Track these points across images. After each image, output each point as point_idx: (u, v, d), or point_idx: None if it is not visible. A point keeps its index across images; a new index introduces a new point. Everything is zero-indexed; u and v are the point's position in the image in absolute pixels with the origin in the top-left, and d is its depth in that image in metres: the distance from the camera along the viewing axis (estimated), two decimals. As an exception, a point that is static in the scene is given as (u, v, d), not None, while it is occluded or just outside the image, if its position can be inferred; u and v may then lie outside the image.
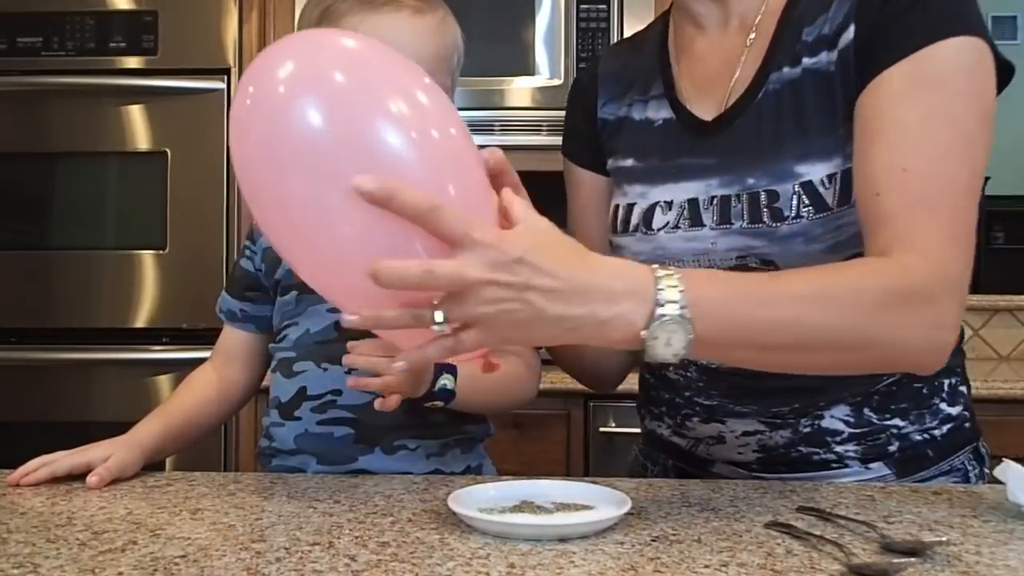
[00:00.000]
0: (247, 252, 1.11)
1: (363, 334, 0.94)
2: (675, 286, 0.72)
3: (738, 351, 0.79)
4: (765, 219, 0.93)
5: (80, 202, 2.17)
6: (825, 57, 0.93)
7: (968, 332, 2.40)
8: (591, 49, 2.13)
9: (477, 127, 2.16)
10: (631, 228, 1.03)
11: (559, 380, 1.86)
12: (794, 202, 0.91)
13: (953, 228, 0.83)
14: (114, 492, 0.92)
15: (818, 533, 0.75)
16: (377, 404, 0.93)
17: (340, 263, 0.69)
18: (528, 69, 2.15)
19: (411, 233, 0.66)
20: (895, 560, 0.67)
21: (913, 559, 0.68)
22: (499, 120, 2.16)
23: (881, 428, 0.98)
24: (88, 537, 0.75)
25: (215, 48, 2.17)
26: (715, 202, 0.97)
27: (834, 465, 0.99)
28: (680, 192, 0.99)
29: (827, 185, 0.91)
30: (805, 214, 0.91)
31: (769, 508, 0.85)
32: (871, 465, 0.99)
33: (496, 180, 0.76)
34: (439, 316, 0.68)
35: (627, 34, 2.07)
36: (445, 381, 0.97)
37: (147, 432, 1.04)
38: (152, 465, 1.01)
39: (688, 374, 1.03)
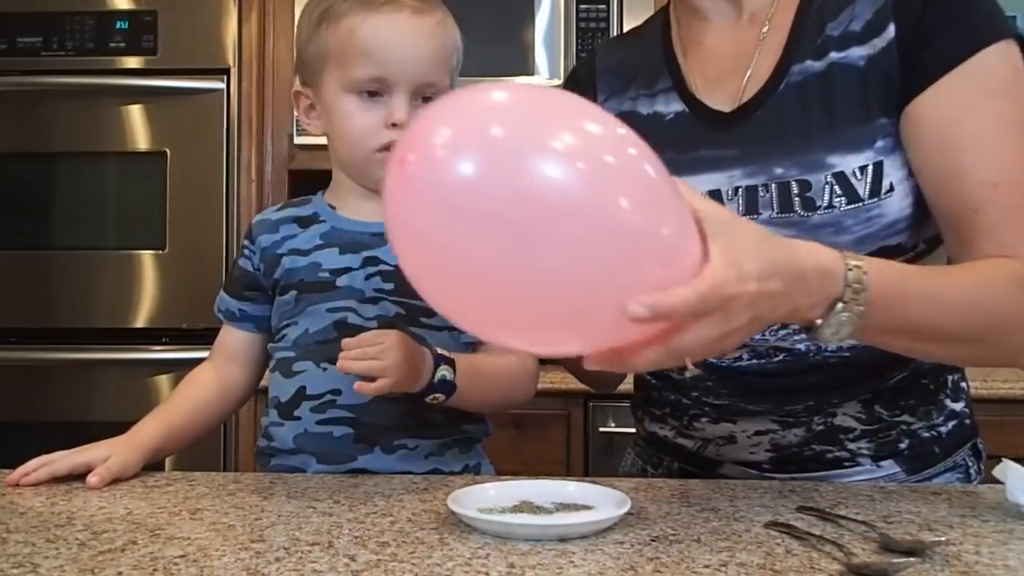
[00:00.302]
0: (246, 251, 1.11)
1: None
2: (860, 284, 0.75)
3: (893, 340, 0.84)
4: (797, 208, 0.94)
5: (80, 202, 2.17)
6: (856, 53, 0.94)
7: (968, 332, 2.39)
8: (591, 49, 2.13)
9: (477, 127, 2.16)
10: None
11: (559, 380, 1.86)
12: (826, 192, 0.92)
13: None
14: (114, 492, 0.92)
15: (818, 533, 0.75)
16: (356, 387, 0.92)
17: (579, 303, 0.63)
18: (528, 69, 2.15)
19: (634, 259, 0.62)
20: (895, 560, 0.67)
21: (913, 559, 0.68)
22: (499, 120, 2.16)
23: (891, 424, 0.99)
24: (88, 537, 0.75)
25: (215, 48, 2.17)
26: (740, 192, 0.97)
27: (846, 464, 0.99)
28: (699, 183, 0.99)
29: (859, 176, 0.92)
30: (837, 204, 0.92)
31: (769, 508, 0.85)
32: (882, 463, 0.99)
33: None
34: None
35: (627, 34, 2.09)
36: (444, 373, 0.96)
37: (147, 432, 1.04)
38: (152, 465, 1.01)
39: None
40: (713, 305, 0.65)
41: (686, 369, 0.68)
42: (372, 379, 0.92)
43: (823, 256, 0.75)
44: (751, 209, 0.96)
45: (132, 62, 2.17)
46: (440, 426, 1.04)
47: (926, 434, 1.01)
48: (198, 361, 1.15)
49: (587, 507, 0.81)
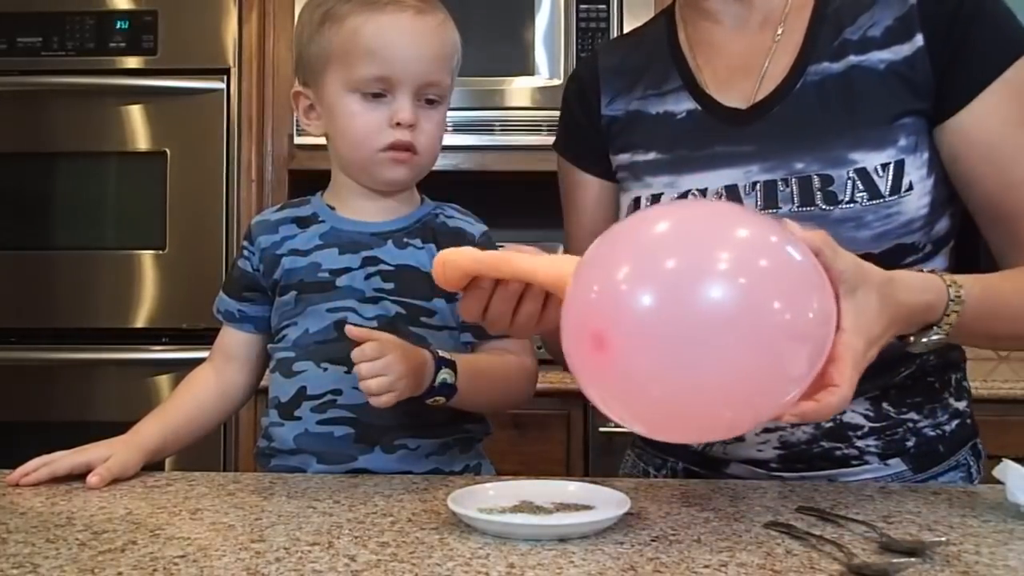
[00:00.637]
0: (245, 252, 1.11)
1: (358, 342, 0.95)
2: (957, 309, 0.82)
3: (967, 341, 0.93)
4: (818, 202, 0.95)
5: (80, 202, 2.17)
6: (876, 57, 0.97)
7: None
8: (591, 49, 2.13)
9: (477, 127, 2.16)
10: None
11: (559, 380, 1.86)
12: (848, 187, 0.94)
13: None
14: (114, 492, 0.92)
15: (818, 533, 0.75)
16: (373, 401, 0.93)
17: (740, 403, 0.69)
18: (528, 69, 2.15)
19: (785, 350, 0.67)
20: (895, 560, 0.67)
21: (913, 559, 0.68)
22: (499, 120, 2.16)
23: (898, 422, 1.00)
24: (88, 537, 0.75)
25: (215, 48, 2.17)
26: (758, 187, 0.98)
27: (854, 462, 1.00)
28: (715, 179, 1.01)
29: (881, 173, 0.94)
30: (859, 199, 0.94)
31: (769, 508, 0.85)
32: (889, 461, 1.00)
33: None
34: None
35: (627, 34, 2.08)
36: (445, 376, 0.97)
37: (147, 432, 1.04)
38: (152, 465, 1.01)
39: None
40: (857, 378, 0.72)
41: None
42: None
43: (931, 294, 0.82)
44: (770, 203, 0.97)
45: (132, 62, 2.17)
46: (441, 426, 1.04)
47: (931, 433, 1.01)
48: (198, 361, 1.15)
49: (587, 507, 0.81)
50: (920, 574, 0.66)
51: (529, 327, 0.81)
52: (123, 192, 2.17)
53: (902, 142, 0.95)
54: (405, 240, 1.06)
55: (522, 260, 0.76)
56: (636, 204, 1.06)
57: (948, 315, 0.82)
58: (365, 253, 1.05)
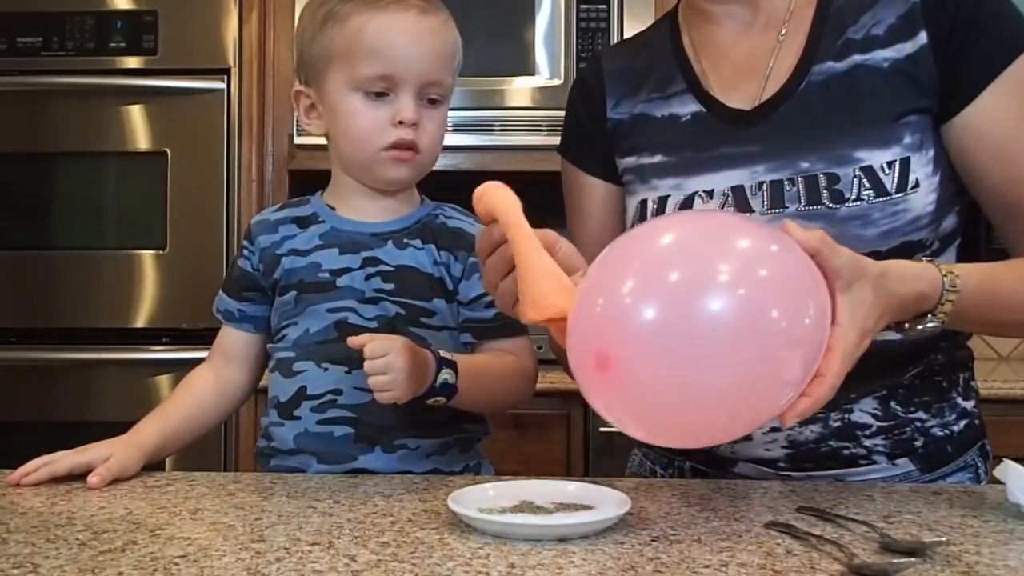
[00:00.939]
0: (245, 252, 1.11)
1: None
2: (952, 297, 0.84)
3: (975, 329, 0.98)
4: (825, 200, 0.95)
5: (80, 202, 2.17)
6: (879, 55, 0.97)
7: (968, 332, 2.39)
8: (591, 49, 2.13)
9: (477, 127, 2.16)
10: None
11: (559, 380, 1.86)
12: (855, 185, 0.95)
13: None
14: (114, 492, 0.92)
15: (818, 533, 0.75)
16: (378, 397, 0.94)
17: (745, 404, 0.72)
18: (528, 69, 2.15)
19: (783, 354, 0.71)
20: (895, 560, 0.67)
21: (913, 559, 0.68)
22: (499, 120, 2.16)
23: (906, 421, 1.00)
24: (88, 537, 0.75)
25: (215, 48, 2.17)
26: (764, 187, 0.99)
27: (862, 462, 1.00)
28: (722, 180, 1.01)
29: (886, 171, 0.94)
30: (866, 197, 0.94)
31: (769, 508, 0.85)
32: (897, 461, 1.00)
33: None
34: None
35: (627, 34, 2.09)
36: (446, 376, 0.97)
37: (147, 432, 1.04)
38: (152, 465, 1.01)
39: None
40: (844, 374, 0.75)
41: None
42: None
43: (925, 283, 0.84)
44: (776, 203, 0.98)
45: (132, 62, 2.17)
46: (441, 426, 1.04)
47: (940, 433, 1.01)
48: (198, 361, 1.15)
49: (587, 507, 0.81)
50: (920, 574, 0.66)
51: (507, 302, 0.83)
52: (123, 192, 2.17)
53: (907, 139, 0.95)
54: (405, 241, 1.06)
55: (520, 247, 0.78)
56: (642, 207, 1.06)
57: (943, 303, 0.84)
58: (365, 253, 1.05)
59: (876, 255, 0.93)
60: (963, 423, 1.03)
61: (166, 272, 2.15)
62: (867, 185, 0.94)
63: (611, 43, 2.11)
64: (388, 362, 0.92)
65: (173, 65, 2.16)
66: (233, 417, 2.03)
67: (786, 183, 0.98)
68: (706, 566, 0.68)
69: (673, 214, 0.76)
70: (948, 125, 0.96)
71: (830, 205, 0.95)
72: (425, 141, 1.04)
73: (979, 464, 1.05)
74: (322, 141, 1.11)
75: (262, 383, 1.15)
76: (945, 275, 0.85)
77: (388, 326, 1.02)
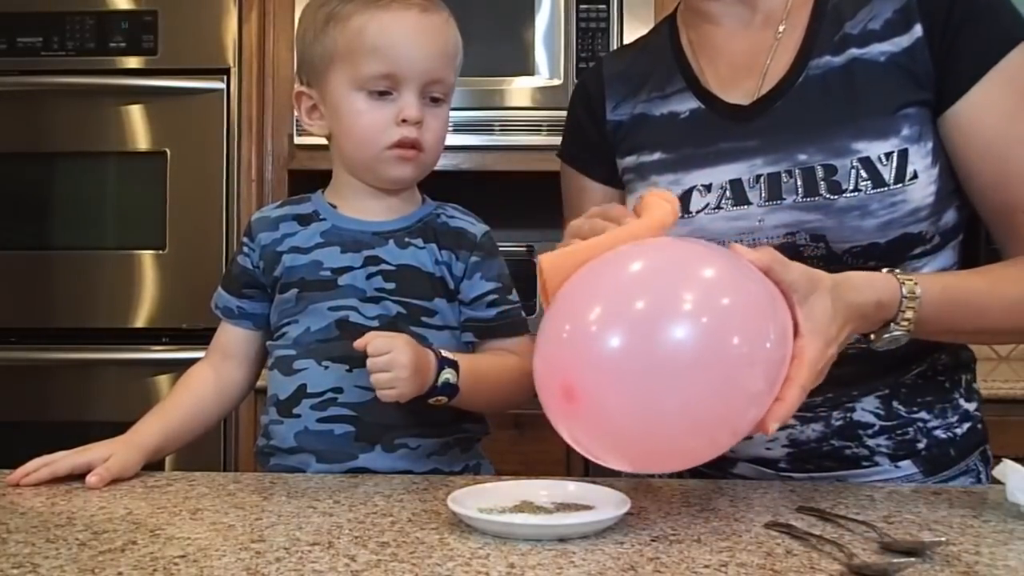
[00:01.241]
0: (245, 249, 1.11)
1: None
2: (912, 305, 0.86)
3: (947, 338, 0.98)
4: (822, 191, 0.96)
5: (80, 202, 2.17)
6: (876, 49, 0.98)
7: (968, 332, 2.39)
8: (591, 49, 2.13)
9: (477, 127, 2.16)
10: None
11: (559, 380, 1.85)
12: (852, 175, 0.95)
13: None
14: (114, 492, 0.92)
15: (818, 533, 0.75)
16: (380, 395, 0.95)
17: (714, 424, 0.75)
18: (528, 69, 2.15)
19: (745, 377, 0.74)
20: (895, 560, 0.67)
21: (913, 559, 0.68)
22: (499, 120, 2.16)
23: (909, 421, 1.00)
24: (88, 537, 0.75)
25: (215, 48, 2.16)
26: (762, 180, 0.99)
27: (864, 463, 1.00)
28: (719, 175, 1.01)
29: (884, 162, 0.94)
30: (863, 188, 0.94)
31: (769, 508, 0.85)
32: (900, 463, 1.00)
33: None
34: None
35: (626, 34, 2.09)
36: (448, 376, 0.97)
37: (147, 432, 1.04)
38: (152, 465, 1.01)
39: None
40: (816, 377, 0.78)
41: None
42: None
43: (882, 291, 0.86)
44: (774, 195, 0.98)
45: (132, 62, 2.17)
46: (442, 425, 1.05)
47: (943, 435, 1.01)
48: (198, 361, 1.15)
49: (587, 507, 0.81)
50: (920, 574, 0.66)
51: None
52: (123, 192, 2.17)
53: (905, 131, 0.95)
54: (407, 240, 1.06)
55: (614, 239, 0.80)
56: None
57: (904, 311, 0.86)
58: (367, 252, 1.05)
59: (875, 247, 0.94)
60: (966, 426, 1.03)
61: (166, 272, 2.15)
62: (864, 176, 0.94)
63: (611, 44, 2.11)
64: (391, 360, 0.92)
65: (173, 65, 2.16)
66: (232, 416, 2.03)
67: (783, 175, 0.98)
68: (706, 566, 0.68)
69: (640, 243, 0.79)
70: (941, 120, 0.96)
71: (828, 196, 0.95)
72: (428, 139, 1.04)
73: (980, 468, 1.04)
74: (322, 141, 1.11)
75: (261, 381, 1.15)
76: (903, 283, 0.86)
77: (389, 325, 1.02)
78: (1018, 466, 0.83)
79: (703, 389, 0.71)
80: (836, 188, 0.95)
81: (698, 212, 1.01)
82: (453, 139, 2.12)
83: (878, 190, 0.94)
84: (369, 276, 1.04)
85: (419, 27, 1.02)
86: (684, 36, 1.11)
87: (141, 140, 2.16)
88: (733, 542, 0.74)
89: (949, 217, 0.98)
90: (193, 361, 1.15)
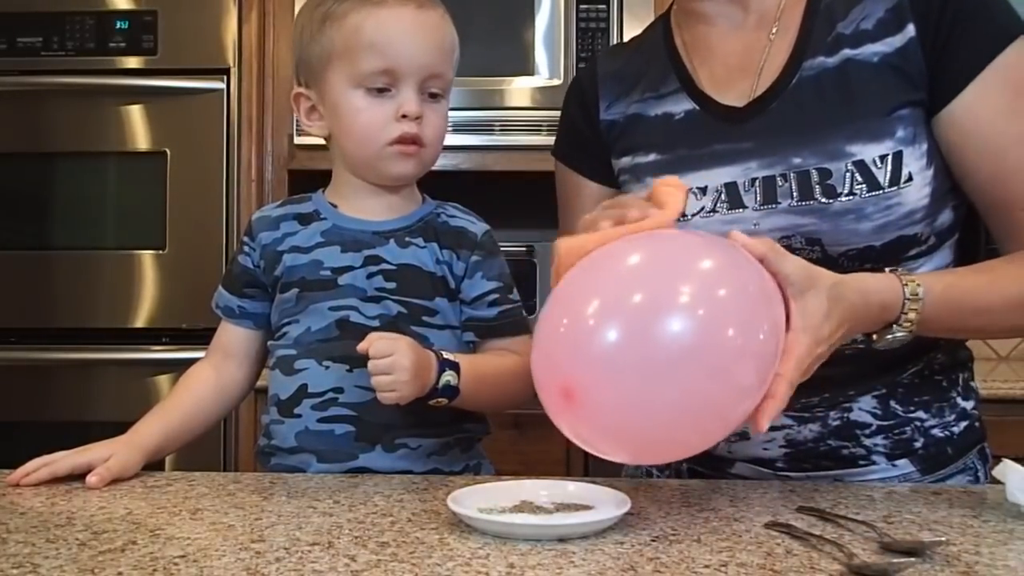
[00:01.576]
0: (245, 248, 1.11)
1: (363, 337, 0.95)
2: (915, 306, 0.86)
3: (949, 335, 0.98)
4: (817, 195, 0.95)
5: (80, 202, 2.17)
6: (869, 49, 0.97)
7: (968, 332, 2.39)
8: (591, 49, 2.13)
9: (477, 127, 2.16)
10: None
11: (559, 380, 1.85)
12: (847, 179, 0.95)
13: None
14: (114, 492, 0.92)
15: (818, 533, 0.75)
16: (380, 397, 0.95)
17: (709, 415, 0.76)
18: (528, 69, 2.15)
19: (737, 368, 0.74)
20: (895, 560, 0.67)
21: (913, 559, 0.68)
22: (499, 120, 2.16)
23: (906, 420, 1.00)
24: (88, 537, 0.75)
25: (215, 48, 2.16)
26: (757, 183, 0.99)
27: (862, 462, 1.00)
28: (714, 177, 1.01)
29: (879, 165, 0.94)
30: (858, 191, 0.94)
31: (769, 508, 0.85)
32: (897, 462, 1.00)
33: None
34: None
35: (626, 34, 2.09)
36: (448, 378, 0.97)
37: (147, 431, 1.04)
38: (152, 465, 1.01)
39: None
40: (802, 374, 0.78)
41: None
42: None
43: (885, 293, 0.86)
44: (769, 199, 0.98)
45: (132, 62, 2.17)
46: (442, 425, 1.05)
47: (940, 434, 1.01)
48: (198, 361, 1.15)
49: (587, 507, 0.81)
50: (920, 574, 0.66)
51: None
52: (123, 192, 2.17)
53: (900, 133, 0.95)
54: (407, 239, 1.06)
55: (636, 229, 0.80)
56: None
57: (907, 312, 0.86)
58: (367, 252, 1.05)
59: (871, 249, 0.94)
60: (963, 424, 1.03)
61: (166, 272, 2.15)
62: (859, 179, 0.94)
63: (610, 44, 2.11)
64: (392, 362, 0.92)
65: (173, 65, 2.16)
66: (233, 415, 2.03)
67: (778, 179, 0.98)
68: (706, 566, 0.68)
69: (637, 236, 0.79)
70: (936, 119, 0.96)
71: (823, 200, 0.95)
72: (429, 134, 1.04)
73: (978, 467, 1.04)
74: (322, 141, 1.11)
75: (261, 381, 1.15)
76: (906, 284, 0.86)
77: (390, 325, 1.02)
78: (1018, 466, 0.83)
79: (696, 379, 0.71)
80: (831, 192, 0.95)
81: (693, 215, 1.01)
82: (453, 139, 2.12)
83: (873, 193, 0.94)
84: (370, 276, 1.04)
85: (416, 23, 1.02)
86: (678, 36, 1.11)
87: (141, 140, 2.16)
88: (733, 542, 0.74)
89: (944, 217, 0.98)
90: (193, 361, 1.15)
